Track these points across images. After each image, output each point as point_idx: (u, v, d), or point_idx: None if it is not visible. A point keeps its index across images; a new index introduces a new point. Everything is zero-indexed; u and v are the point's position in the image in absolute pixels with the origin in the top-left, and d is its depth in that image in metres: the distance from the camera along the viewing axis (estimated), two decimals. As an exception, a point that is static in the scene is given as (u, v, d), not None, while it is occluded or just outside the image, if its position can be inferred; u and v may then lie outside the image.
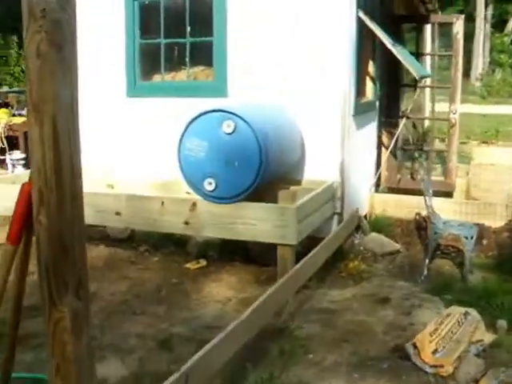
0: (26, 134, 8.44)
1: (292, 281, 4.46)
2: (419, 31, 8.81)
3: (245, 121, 4.80)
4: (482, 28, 29.84)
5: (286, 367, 3.98)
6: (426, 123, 10.78)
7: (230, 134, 4.85)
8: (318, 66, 5.73)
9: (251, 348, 4.18)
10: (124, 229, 6.25)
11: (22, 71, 14.80)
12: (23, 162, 8.17)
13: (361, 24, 5.96)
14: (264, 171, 4.85)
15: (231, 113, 4.86)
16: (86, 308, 2.05)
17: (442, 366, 3.92)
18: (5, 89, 11.89)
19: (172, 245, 6.29)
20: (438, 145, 10.65)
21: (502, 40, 30.40)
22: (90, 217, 5.49)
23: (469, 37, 27.24)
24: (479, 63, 29.41)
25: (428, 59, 10.60)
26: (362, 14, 5.81)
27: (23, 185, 2.12)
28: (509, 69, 28.60)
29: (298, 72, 5.80)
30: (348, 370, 3.97)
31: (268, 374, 3.85)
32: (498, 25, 31.85)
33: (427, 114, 11.00)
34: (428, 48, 10.24)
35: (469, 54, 27.41)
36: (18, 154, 8.21)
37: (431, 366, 3.95)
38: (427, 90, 10.17)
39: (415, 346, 4.10)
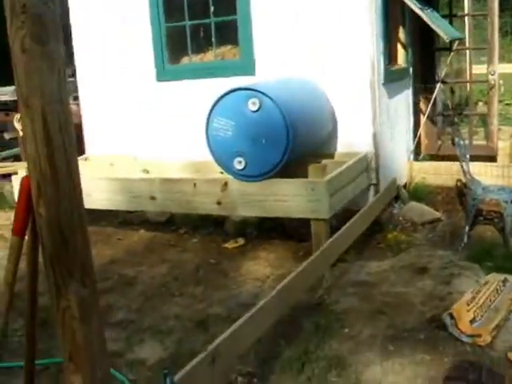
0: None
1: (326, 255, 4.44)
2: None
3: (270, 98, 4.77)
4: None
5: (321, 342, 3.97)
6: (468, 87, 10.49)
7: (255, 111, 4.83)
8: (344, 36, 5.64)
9: (286, 324, 4.20)
10: (162, 212, 6.32)
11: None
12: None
13: (387, -11, 5.82)
14: (292, 147, 4.81)
15: (256, 90, 4.84)
16: (93, 294, 2.09)
17: (479, 336, 3.83)
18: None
19: (211, 226, 6.33)
20: (481, 108, 10.36)
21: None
22: (125, 203, 5.66)
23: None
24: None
25: (466, 21, 10.29)
26: (386, -22, 5.67)
27: (23, 178, 2.15)
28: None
29: (325, 44, 5.72)
30: (383, 343, 3.93)
31: (303, 349, 3.85)
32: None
33: (468, 77, 10.69)
34: (466, 9, 9.93)
35: (513, 11, 26.44)
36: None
37: (468, 336, 3.87)
38: (468, 53, 9.87)
39: (452, 316, 4.02)
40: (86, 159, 7.07)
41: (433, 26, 5.64)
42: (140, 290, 5.10)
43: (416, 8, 5.65)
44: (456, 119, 8.15)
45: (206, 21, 6.22)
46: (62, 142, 1.95)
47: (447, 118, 8.39)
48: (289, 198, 4.88)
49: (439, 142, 7.92)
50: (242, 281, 5.11)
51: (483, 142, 7.94)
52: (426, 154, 7.81)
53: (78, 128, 7.62)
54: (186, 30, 6.31)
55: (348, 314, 4.33)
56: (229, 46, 6.45)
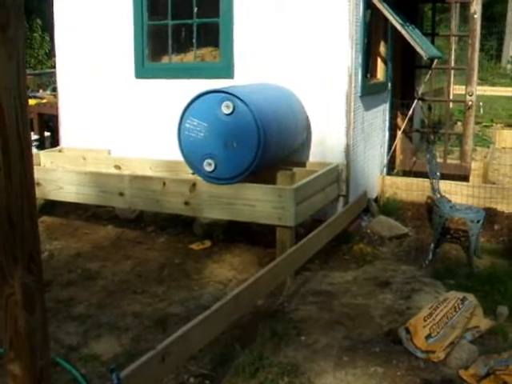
0: (40, 115, 8.53)
1: (288, 262, 4.44)
2: (447, 11, 8.63)
3: (243, 102, 4.78)
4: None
5: (276, 348, 3.98)
6: (447, 106, 10.61)
7: (228, 114, 4.83)
8: (323, 47, 5.66)
9: (243, 329, 4.21)
10: (132, 209, 6.29)
11: (46, 54, 14.95)
12: (36, 143, 8.26)
13: (371, 4, 5.86)
14: (263, 152, 4.82)
15: (230, 93, 4.84)
16: (39, 282, 2.08)
17: (433, 352, 3.87)
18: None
19: (179, 226, 6.32)
20: (460, 128, 10.48)
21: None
22: (95, 197, 5.64)
23: (500, 18, 26.60)
24: (511, 45, 28.66)
25: (453, 41, 10.42)
26: (369, -7, 5.72)
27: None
28: (543, 51, 27.88)
29: (304, 53, 5.75)
30: (339, 353, 3.96)
31: (258, 354, 3.85)
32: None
33: (451, 96, 10.84)
34: (452, 29, 10.06)
35: (501, 35, 26.78)
36: (31, 136, 8.28)
37: (423, 351, 3.90)
38: (451, 72, 10.01)
39: (408, 331, 4.05)
40: (59, 151, 7.03)
41: (412, 43, 5.70)
42: (102, 285, 5.08)
43: (397, 24, 5.70)
44: (432, 137, 8.22)
45: (189, 21, 6.23)
46: (16, 129, 1.94)
47: (423, 135, 8.48)
48: (256, 203, 4.88)
49: (414, 159, 7.99)
50: (205, 283, 5.11)
51: (457, 162, 8.03)
52: (400, 170, 7.87)
53: (56, 119, 7.59)
54: (168, 28, 6.30)
55: (306, 323, 4.35)
56: (209, 48, 6.46)
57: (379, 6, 5.70)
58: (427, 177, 7.14)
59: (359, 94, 5.88)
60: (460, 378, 3.67)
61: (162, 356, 2.98)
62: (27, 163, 2.00)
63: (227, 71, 5.97)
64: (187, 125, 4.97)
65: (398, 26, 5.70)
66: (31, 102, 8.63)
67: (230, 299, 3.61)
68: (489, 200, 6.67)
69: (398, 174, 7.69)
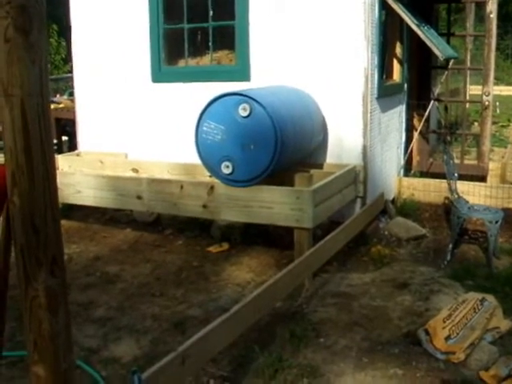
0: (57, 120, 8.55)
1: (306, 264, 4.45)
2: (461, 11, 8.61)
3: (260, 104, 4.79)
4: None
5: (295, 350, 3.98)
6: (463, 106, 10.56)
7: (246, 117, 4.85)
8: (340, 49, 5.67)
9: (262, 330, 4.22)
10: (150, 213, 6.33)
11: (62, 59, 15.06)
12: (55, 147, 8.33)
13: (386, 5, 5.85)
14: (280, 155, 4.83)
15: (247, 96, 4.85)
16: (62, 285, 2.10)
17: (453, 353, 3.86)
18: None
19: (196, 229, 6.35)
20: (476, 128, 10.43)
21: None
22: (112, 200, 5.68)
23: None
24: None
25: (467, 40, 10.37)
26: (385, -6, 5.71)
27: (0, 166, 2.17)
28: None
29: (321, 54, 5.75)
30: (358, 355, 3.95)
31: (277, 356, 3.86)
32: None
33: (468, 96, 10.78)
34: (471, 29, 10.03)
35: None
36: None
37: (442, 353, 3.89)
38: (468, 73, 9.95)
39: (427, 332, 4.04)
40: (77, 155, 7.08)
41: (428, 43, 5.68)
42: (121, 288, 5.11)
43: (412, 24, 5.68)
44: (449, 138, 8.19)
45: (205, 25, 6.25)
46: (39, 134, 1.97)
47: (440, 136, 8.44)
48: (274, 205, 4.89)
49: (431, 160, 7.96)
50: (223, 285, 5.12)
51: (474, 162, 7.98)
52: (417, 171, 7.85)
53: (73, 123, 7.65)
54: (183, 32, 6.33)
55: (325, 324, 4.36)
56: (225, 51, 6.49)
57: (394, 6, 5.69)
58: (444, 178, 7.10)
59: (376, 96, 5.87)
60: (480, 379, 3.65)
61: (182, 358, 2.99)
62: (50, 167, 2.02)
63: (243, 74, 5.99)
64: (204, 128, 4.99)
65: (414, 27, 5.68)
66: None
67: (249, 301, 3.62)
68: (507, 200, 6.64)
69: (414, 175, 7.67)
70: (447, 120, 8.23)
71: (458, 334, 3.97)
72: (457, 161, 7.52)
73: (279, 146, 4.79)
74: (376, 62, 5.82)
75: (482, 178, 7.56)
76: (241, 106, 4.82)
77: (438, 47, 5.75)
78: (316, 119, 5.59)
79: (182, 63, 6.58)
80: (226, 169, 4.97)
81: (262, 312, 3.89)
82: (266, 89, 5.42)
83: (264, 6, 5.88)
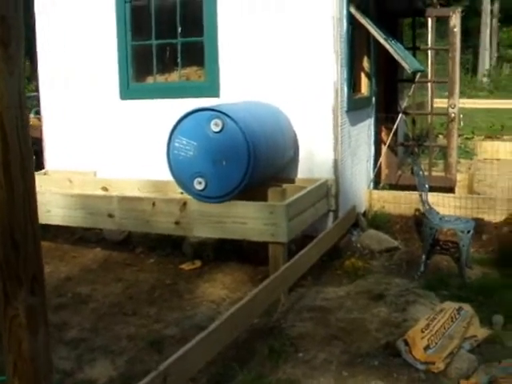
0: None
1: (282, 279, 4.41)
2: (422, 26, 8.76)
3: (232, 119, 4.77)
4: (488, 23, 29.53)
5: (274, 366, 3.93)
6: (429, 119, 10.70)
7: (218, 132, 4.82)
8: (309, 63, 5.69)
9: (240, 347, 4.16)
10: (120, 231, 6.23)
11: (27, 78, 14.84)
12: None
13: (353, 20, 5.91)
14: (253, 170, 4.81)
15: (219, 111, 4.83)
16: (42, 304, 2.04)
17: (433, 363, 3.86)
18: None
19: (168, 246, 6.26)
20: (441, 140, 10.58)
21: (509, 34, 30.12)
22: (83, 219, 5.57)
23: (476, 32, 27.02)
24: (486, 59, 29.09)
25: (429, 55, 10.54)
26: (353, 9, 5.76)
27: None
28: (517, 64, 28.40)
29: (290, 70, 5.77)
30: (338, 368, 3.93)
31: (256, 373, 3.80)
32: (506, 19, 31.53)
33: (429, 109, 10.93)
34: (430, 43, 10.18)
35: (476, 49, 27.20)
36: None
37: (422, 363, 3.89)
38: (429, 85, 10.10)
39: (406, 343, 4.03)
40: (45, 174, 6.96)
41: (396, 57, 5.74)
42: (93, 308, 5.01)
43: (381, 38, 5.74)
44: (416, 150, 8.28)
45: (173, 41, 6.22)
46: (18, 148, 1.91)
47: (408, 149, 8.53)
48: (248, 220, 4.86)
49: (399, 172, 8.03)
50: (198, 303, 5.06)
51: (442, 174, 8.07)
52: (386, 184, 7.90)
53: (39, 142, 7.52)
54: (152, 49, 6.29)
55: (303, 339, 4.32)
56: (194, 68, 6.46)
57: (362, 21, 5.75)
58: (413, 190, 7.19)
59: (345, 109, 5.91)
60: (461, 387, 3.66)
61: (163, 377, 2.92)
62: (29, 182, 1.96)
63: (213, 90, 5.97)
64: (176, 144, 4.94)
65: (382, 40, 5.74)
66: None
67: (226, 318, 3.57)
68: (476, 210, 6.72)
69: (384, 188, 7.72)
70: (414, 133, 8.31)
71: (436, 343, 3.98)
72: (425, 173, 7.60)
73: (252, 161, 4.76)
74: (345, 75, 5.86)
75: (450, 190, 7.64)
76: (213, 122, 4.79)
77: (406, 60, 5.82)
78: (287, 134, 5.59)
79: (150, 80, 6.53)
80: (198, 185, 4.93)
81: (240, 329, 3.84)
82: (237, 104, 5.40)
83: (233, 22, 5.88)
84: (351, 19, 5.92)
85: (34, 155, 6.74)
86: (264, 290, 4.10)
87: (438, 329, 4.08)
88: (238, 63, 5.93)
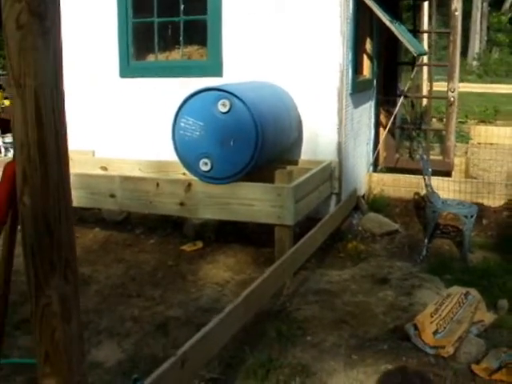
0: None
1: (290, 262, 4.39)
2: (416, 9, 8.70)
3: (240, 100, 4.70)
4: (479, 7, 29.53)
5: (284, 349, 3.92)
6: (424, 102, 10.68)
7: (225, 113, 4.75)
8: (315, 44, 5.62)
9: (248, 330, 4.13)
10: (120, 211, 6.16)
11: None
12: (16, 145, 8.04)
13: (357, 0, 5.83)
14: (260, 151, 4.75)
15: (226, 91, 4.75)
16: (75, 291, 1.97)
17: (442, 347, 3.86)
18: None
19: (168, 227, 6.21)
20: (435, 124, 10.58)
21: (499, 19, 30.12)
22: (83, 199, 5.49)
23: (466, 15, 26.99)
24: (476, 42, 29.13)
25: (425, 38, 10.49)
26: (359, -10, 5.69)
27: (7, 164, 2.02)
28: (506, 48, 28.40)
29: (295, 51, 5.69)
30: (347, 352, 3.91)
31: (266, 356, 3.78)
32: (496, 3, 31.55)
33: (425, 92, 10.91)
34: (425, 26, 10.12)
35: (466, 32, 27.20)
36: (10, 138, 8.09)
37: (432, 347, 3.89)
38: (424, 68, 10.06)
39: (415, 327, 4.03)
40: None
41: (402, 40, 5.69)
42: (96, 289, 4.95)
43: (386, 21, 5.68)
44: (414, 133, 8.26)
45: (175, 19, 6.11)
46: (54, 127, 1.83)
47: (405, 132, 8.50)
48: (254, 202, 4.81)
49: (397, 155, 8.01)
50: (202, 284, 5.02)
51: (439, 158, 8.07)
52: (384, 167, 7.88)
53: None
54: (153, 26, 6.18)
55: (310, 322, 4.30)
56: (195, 46, 6.35)
57: (368, 2, 5.67)
58: (411, 173, 7.20)
59: (350, 92, 5.85)
60: (472, 372, 3.66)
61: (181, 362, 2.89)
62: (64, 164, 1.89)
63: (216, 69, 5.88)
64: (182, 124, 4.86)
65: (388, 23, 5.68)
66: (9, 102, 8.39)
67: (240, 301, 3.53)
68: (475, 195, 6.72)
69: (381, 171, 7.71)
70: (413, 116, 8.29)
71: (445, 328, 3.98)
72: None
73: (260, 143, 4.71)
74: (350, 57, 5.80)
75: (447, 174, 7.64)
76: (220, 102, 4.72)
77: (411, 43, 5.77)
78: (292, 115, 5.53)
79: (151, 58, 6.42)
80: (204, 166, 4.86)
81: (252, 312, 3.81)
82: (243, 84, 5.33)
83: (237, 1, 5.78)
84: (357, 1, 5.84)
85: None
86: (274, 272, 4.07)
87: (447, 313, 4.08)
88: (241, 43, 5.83)
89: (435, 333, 3.94)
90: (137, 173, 6.00)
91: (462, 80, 20.02)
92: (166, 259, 5.55)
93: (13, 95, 1.83)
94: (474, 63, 26.42)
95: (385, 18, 5.68)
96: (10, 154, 7.80)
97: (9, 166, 1.97)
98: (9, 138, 8.06)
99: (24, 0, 1.74)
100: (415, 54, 5.90)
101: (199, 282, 5.07)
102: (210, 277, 5.15)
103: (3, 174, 2.03)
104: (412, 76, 7.27)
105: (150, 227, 6.28)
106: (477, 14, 29.52)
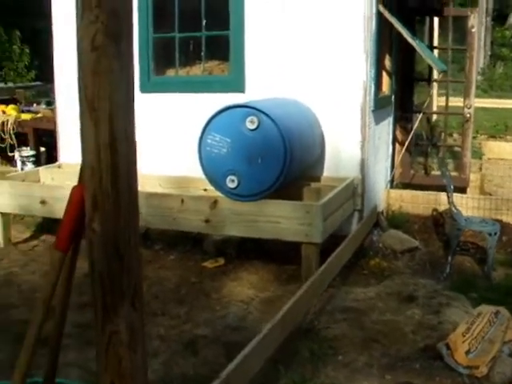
0: (35, 130, 8.30)
1: (320, 280, 4.37)
2: (431, 25, 8.73)
3: (269, 117, 4.69)
4: (483, 22, 29.63)
5: (316, 369, 3.88)
6: (434, 118, 10.70)
7: (253, 130, 4.74)
8: (338, 61, 5.63)
9: (281, 349, 4.09)
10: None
11: (25, 67, 14.59)
12: (33, 159, 8.03)
13: (380, 17, 5.84)
14: (288, 168, 4.74)
15: (255, 108, 4.75)
16: (142, 319, 1.94)
17: (476, 367, 3.83)
18: (10, 85, 11.74)
19: (188, 243, 6.17)
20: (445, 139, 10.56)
21: (502, 33, 30.20)
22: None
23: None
24: (480, 57, 29.19)
25: (435, 53, 10.51)
26: (381, 8, 5.70)
27: (73, 188, 2.00)
28: (510, 62, 28.43)
29: (318, 67, 5.70)
30: (379, 372, 3.88)
31: (300, 376, 3.75)
32: (499, 18, 31.66)
33: (435, 108, 10.92)
34: (435, 42, 10.15)
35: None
36: (27, 151, 8.08)
37: (465, 367, 3.86)
38: (434, 85, 10.08)
39: (448, 346, 4.00)
40: (58, 167, 6.84)
41: (425, 57, 5.70)
42: (120, 307, 4.90)
43: (408, 38, 5.69)
44: (429, 149, 8.26)
45: (197, 34, 6.11)
46: (126, 151, 1.81)
47: (419, 148, 8.50)
48: (281, 219, 4.79)
49: (412, 172, 8.00)
50: (227, 302, 4.98)
51: (454, 174, 8.05)
52: (399, 183, 7.87)
53: (51, 134, 7.40)
54: (174, 41, 6.18)
55: (340, 341, 4.26)
56: (216, 62, 6.36)
57: (391, 20, 5.69)
58: (426, 189, 7.19)
59: (372, 108, 5.85)
60: (508, 392, 3.64)
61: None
62: (134, 190, 1.87)
63: (238, 85, 5.87)
64: (209, 140, 4.85)
65: (410, 40, 5.69)
66: (26, 116, 8.40)
67: (278, 321, 3.51)
68: (494, 211, 6.69)
69: (397, 187, 7.69)
70: (428, 132, 8.29)
71: (476, 347, 3.95)
72: (437, 173, 7.59)
73: (288, 160, 4.70)
74: (373, 74, 5.80)
75: (462, 190, 7.62)
76: (248, 119, 4.71)
77: (433, 60, 5.78)
78: (316, 132, 5.53)
79: (171, 73, 6.41)
80: (231, 183, 4.85)
81: (287, 331, 3.79)
82: (269, 100, 5.33)
83: (260, 16, 5.79)
84: (378, 18, 5.85)
85: (44, 147, 6.61)
86: (306, 291, 4.05)
87: (478, 333, 4.05)
88: (264, 58, 5.83)
89: (467, 352, 3.91)
90: (158, 189, 5.98)
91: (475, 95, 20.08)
92: (188, 276, 5.51)
93: (83, 118, 1.81)
94: (479, 78, 26.45)
95: (407, 36, 5.69)
96: (27, 168, 7.79)
97: (76, 191, 1.94)
98: (26, 152, 8.04)
99: (100, 21, 1.72)
100: (438, 72, 5.91)
101: (224, 299, 5.03)
102: (235, 294, 5.12)
103: (70, 200, 2.00)
104: (431, 92, 7.28)
105: (169, 243, 6.23)
106: (481, 29, 29.57)
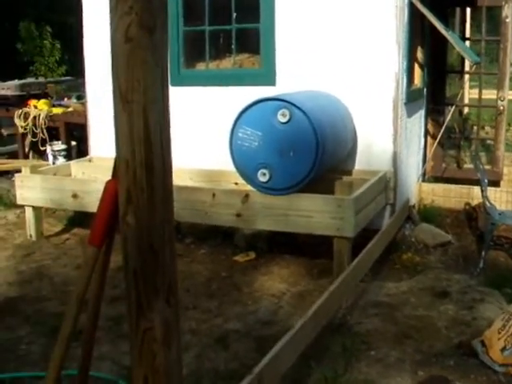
0: (66, 124, 8.37)
1: (352, 275, 4.32)
2: (463, 16, 8.58)
3: (301, 110, 4.65)
4: (514, 12, 29.12)
5: (348, 364, 3.85)
6: (465, 110, 10.51)
7: (285, 123, 4.70)
8: (370, 53, 5.55)
9: (313, 344, 4.06)
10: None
11: (56, 61, 14.74)
12: (64, 153, 8.09)
13: (412, 9, 5.75)
14: (320, 162, 4.70)
15: (286, 101, 4.71)
16: (177, 315, 1.92)
17: (512, 365, 3.76)
18: (41, 79, 11.85)
19: (219, 237, 6.17)
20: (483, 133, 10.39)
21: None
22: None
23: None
24: (512, 48, 28.72)
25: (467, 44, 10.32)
26: (413, -1, 5.61)
27: (107, 182, 1.99)
28: (544, 53, 28.01)
29: (349, 60, 5.63)
30: (412, 368, 3.83)
31: (332, 371, 3.72)
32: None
33: (466, 101, 10.74)
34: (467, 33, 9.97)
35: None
36: (58, 145, 8.15)
37: (501, 365, 3.79)
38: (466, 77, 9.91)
39: (483, 343, 3.93)
40: (89, 160, 6.88)
41: (458, 49, 5.60)
42: (151, 300, 4.91)
43: (442, 29, 5.59)
44: (462, 143, 8.13)
45: (227, 27, 6.08)
46: (160, 145, 1.79)
47: (451, 141, 8.37)
48: (313, 213, 4.75)
49: (444, 165, 7.88)
50: (258, 296, 4.96)
51: (487, 167, 7.91)
52: (431, 176, 7.76)
53: (81, 128, 7.44)
54: (204, 34, 6.16)
55: (373, 336, 4.23)
56: (246, 55, 6.32)
57: (423, 10, 5.59)
58: (458, 182, 7.08)
59: (404, 101, 5.77)
60: (545, 392, 3.56)
61: (258, 379, 2.84)
62: (168, 183, 1.85)
63: (269, 78, 5.83)
64: (240, 134, 4.83)
65: (443, 32, 5.59)
66: (58, 110, 8.48)
67: (310, 316, 3.48)
68: (527, 206, 6.57)
69: (429, 181, 7.59)
70: (461, 125, 8.16)
71: (512, 345, 3.87)
72: (470, 166, 7.46)
73: (320, 153, 4.65)
74: (405, 66, 5.72)
75: (495, 183, 7.49)
76: (280, 112, 4.67)
77: (467, 52, 5.67)
78: (348, 125, 5.47)
79: (201, 66, 6.40)
80: (262, 176, 4.82)
81: (319, 327, 3.75)
82: (301, 93, 5.28)
83: (291, 8, 5.73)
84: (410, 9, 5.76)
85: (75, 141, 6.64)
86: (338, 286, 4.01)
87: (514, 330, 3.98)
88: (295, 51, 5.78)
89: (503, 350, 3.83)
90: (188, 182, 5.98)
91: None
92: (219, 270, 5.51)
93: (117, 111, 1.79)
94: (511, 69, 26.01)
95: (440, 27, 5.59)
96: (58, 162, 7.85)
97: (109, 186, 1.93)
98: (57, 146, 8.11)
99: (134, 12, 1.69)
100: (471, 64, 5.80)
101: (255, 293, 5.02)
102: (266, 288, 5.10)
103: (103, 195, 1.99)
104: (465, 84, 7.15)
105: (199, 237, 6.23)
106: (512, 19, 29.03)
